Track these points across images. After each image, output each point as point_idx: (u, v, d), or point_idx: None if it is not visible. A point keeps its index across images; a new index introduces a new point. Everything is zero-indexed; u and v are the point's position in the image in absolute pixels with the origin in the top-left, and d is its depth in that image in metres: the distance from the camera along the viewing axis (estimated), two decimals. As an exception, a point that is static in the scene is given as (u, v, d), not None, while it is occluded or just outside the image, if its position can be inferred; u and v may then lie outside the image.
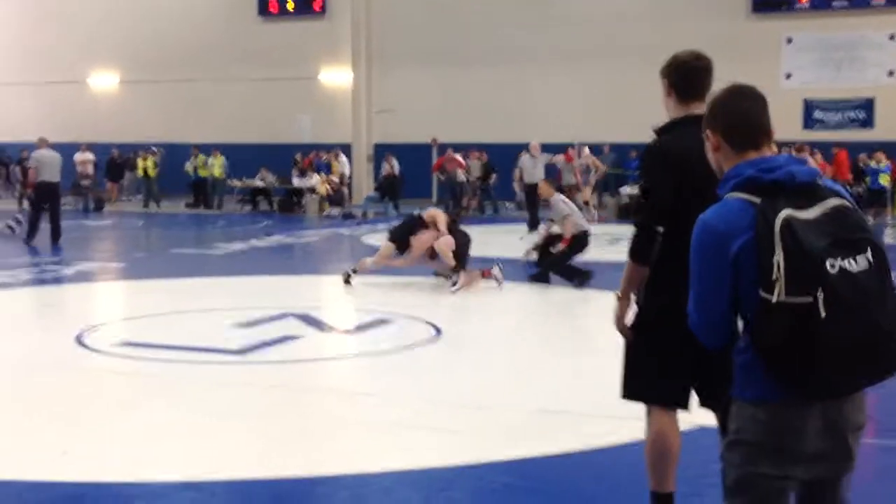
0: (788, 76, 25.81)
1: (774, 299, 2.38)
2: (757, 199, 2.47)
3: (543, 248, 11.67)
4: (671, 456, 3.67)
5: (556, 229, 11.63)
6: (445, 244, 10.96)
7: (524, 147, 20.51)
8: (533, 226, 18.08)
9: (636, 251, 3.61)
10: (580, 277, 11.09)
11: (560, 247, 11.35)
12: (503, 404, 5.89)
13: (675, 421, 3.68)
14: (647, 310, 3.63)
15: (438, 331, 8.30)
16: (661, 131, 3.70)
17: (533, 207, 18.54)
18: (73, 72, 32.25)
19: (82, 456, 4.85)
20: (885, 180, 22.55)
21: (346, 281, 11.04)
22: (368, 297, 10.65)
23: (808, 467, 2.53)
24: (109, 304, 10.91)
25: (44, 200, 16.15)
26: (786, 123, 25.16)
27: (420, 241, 11.09)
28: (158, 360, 7.10)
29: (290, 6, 30.08)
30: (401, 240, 11.22)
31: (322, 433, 5.37)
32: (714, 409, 3.79)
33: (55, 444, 5.02)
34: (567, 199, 11.85)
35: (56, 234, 16.08)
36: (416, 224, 11.29)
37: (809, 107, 25.73)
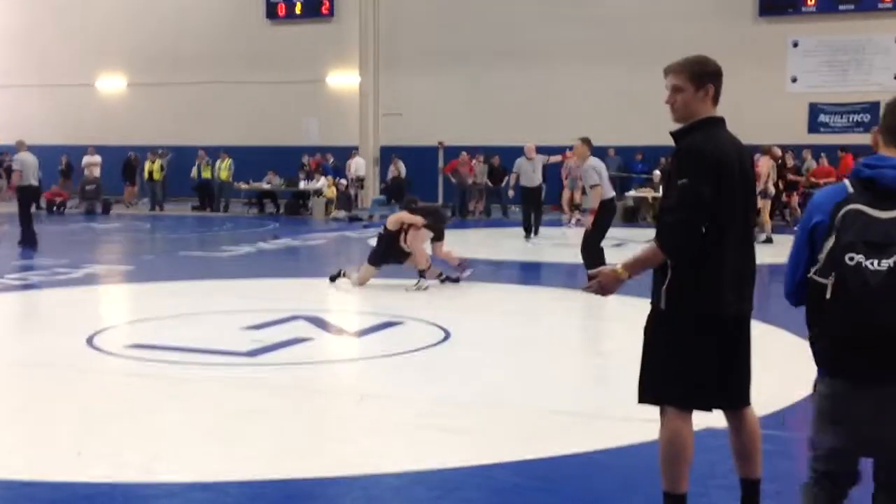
0: (794, 80, 25.82)
1: (810, 273, 2.79)
2: (851, 189, 2.78)
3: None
4: (686, 457, 3.70)
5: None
6: (420, 249, 11.16)
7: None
8: (535, 230, 17.87)
9: (677, 246, 3.57)
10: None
11: (588, 220, 11.07)
12: (514, 405, 5.93)
13: (690, 422, 3.72)
14: (679, 315, 3.63)
15: (447, 333, 8.34)
16: (685, 132, 3.72)
17: (538, 212, 18.34)
18: (80, 74, 32.36)
19: (97, 456, 4.89)
20: (890, 183, 22.48)
21: (333, 279, 11.15)
22: (376, 300, 10.71)
23: (863, 445, 2.74)
24: (119, 307, 10.97)
25: (30, 203, 16.19)
26: (791, 127, 25.19)
27: (416, 246, 11.20)
28: (169, 362, 7.15)
29: (297, 9, 30.16)
30: (383, 262, 11.31)
31: (334, 434, 5.41)
32: (726, 409, 3.85)
33: (70, 445, 5.07)
34: (599, 166, 11.43)
35: (33, 236, 15.97)
36: (392, 238, 11.29)
37: (815, 110, 25.73)
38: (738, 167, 3.66)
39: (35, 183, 16.38)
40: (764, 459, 4.86)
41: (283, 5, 30.26)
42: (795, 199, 22.24)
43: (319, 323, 8.84)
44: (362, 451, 5.02)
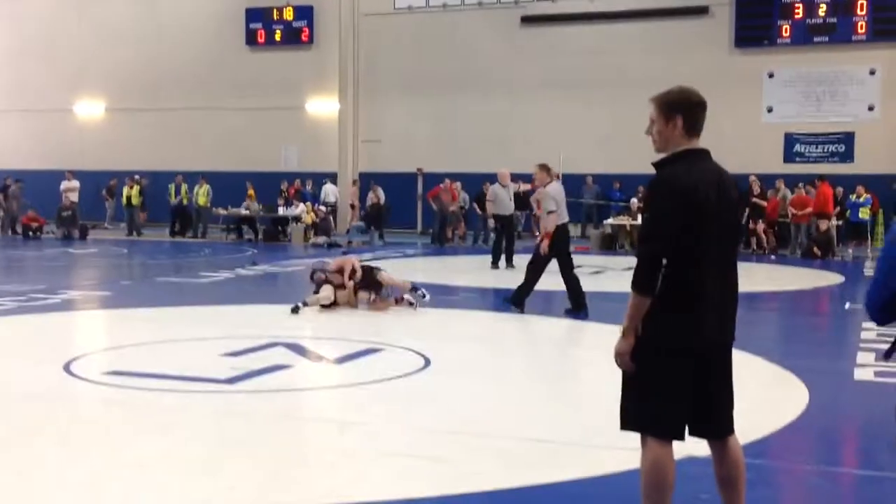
0: (770, 110, 26.16)
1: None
2: None
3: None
4: (667, 485, 3.71)
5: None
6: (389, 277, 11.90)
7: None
8: (509, 260, 17.50)
9: (642, 282, 3.61)
10: (522, 304, 11.35)
11: (544, 245, 11.24)
12: (497, 433, 5.93)
13: (671, 450, 3.73)
14: (656, 344, 3.64)
15: (427, 360, 8.34)
16: (665, 163, 3.75)
17: (511, 240, 17.74)
18: (59, 99, 32.30)
19: (78, 485, 4.85)
20: (865, 214, 22.80)
21: (295, 311, 11.14)
22: (356, 327, 10.69)
23: None
24: (97, 333, 10.90)
25: None
26: (766, 156, 25.51)
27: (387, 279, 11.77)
28: (148, 389, 7.10)
29: (277, 36, 30.30)
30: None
31: (317, 463, 5.39)
32: (710, 439, 3.87)
33: (50, 474, 5.02)
34: (557, 193, 11.55)
35: None
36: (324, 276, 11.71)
37: (790, 140, 26.06)
38: (716, 199, 3.66)
39: None
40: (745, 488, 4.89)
41: (264, 32, 30.39)
42: (761, 226, 22.45)
43: (299, 350, 8.81)
44: (344, 481, 5.00)
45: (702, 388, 3.72)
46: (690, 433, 3.82)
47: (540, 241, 11.50)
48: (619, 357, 3.72)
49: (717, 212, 3.65)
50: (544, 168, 11.91)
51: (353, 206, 27.29)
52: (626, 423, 3.78)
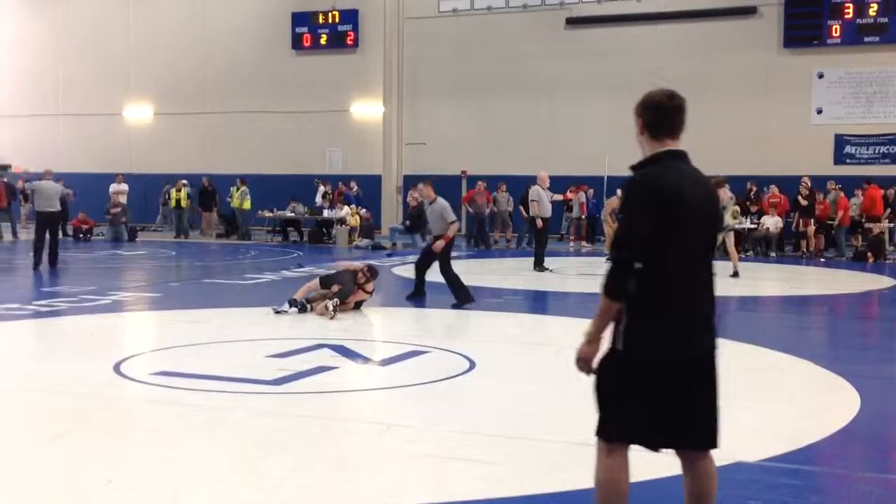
0: (819, 111, 25.78)
1: None
2: None
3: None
4: (620, 497, 3.60)
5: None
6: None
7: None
8: (542, 262, 17.38)
9: (611, 287, 3.49)
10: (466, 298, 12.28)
11: (439, 244, 12.32)
12: (541, 436, 5.90)
13: (626, 461, 3.61)
14: (629, 351, 3.52)
15: (472, 362, 8.34)
16: (640, 166, 3.64)
17: (543, 244, 17.63)
18: (108, 104, 32.85)
19: (126, 485, 4.91)
20: (917, 215, 22.41)
21: (277, 311, 11.26)
22: (400, 330, 10.73)
23: None
24: (145, 334, 11.04)
25: (41, 228, 17.10)
26: (816, 158, 25.13)
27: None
28: (195, 389, 7.17)
29: (323, 40, 30.50)
30: (328, 287, 11.55)
31: (361, 465, 5.41)
32: (689, 448, 3.71)
33: (99, 474, 5.09)
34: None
35: (53, 258, 17.05)
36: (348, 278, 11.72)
37: (840, 142, 25.66)
38: (693, 201, 3.52)
39: (49, 209, 17.15)
40: (794, 495, 4.82)
41: (309, 36, 30.61)
42: (812, 228, 22.14)
43: (345, 352, 8.85)
44: (388, 483, 5.01)
45: (682, 398, 3.56)
46: (670, 446, 3.67)
47: (436, 242, 12.56)
48: (582, 362, 3.62)
49: (692, 215, 3.51)
50: (430, 185, 13.10)
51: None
52: (604, 430, 3.66)
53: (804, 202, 22.10)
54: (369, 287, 11.78)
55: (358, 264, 12.18)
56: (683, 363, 3.55)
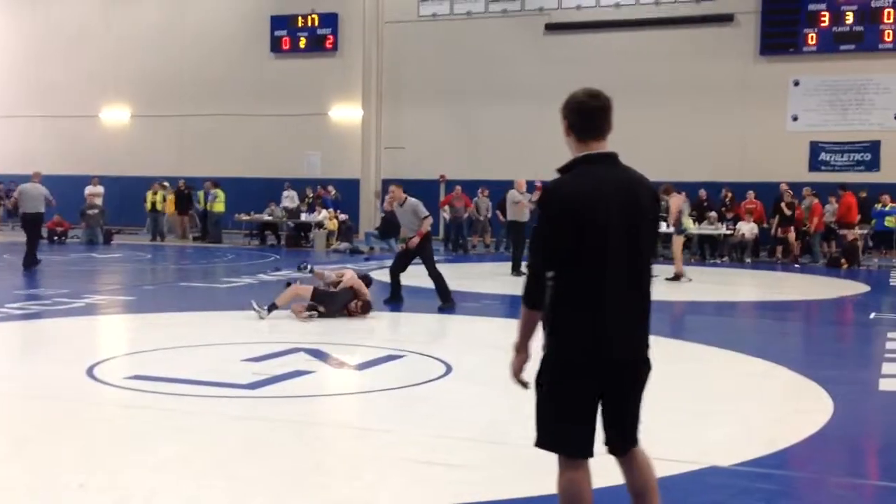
0: (795, 118, 25.99)
1: None
2: None
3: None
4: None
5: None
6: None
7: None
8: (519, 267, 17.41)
9: (526, 296, 3.50)
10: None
11: (414, 241, 12.54)
12: (517, 440, 5.88)
13: (587, 470, 3.57)
14: (557, 361, 3.50)
15: (448, 367, 8.33)
16: (561, 171, 3.58)
17: (519, 247, 17.69)
18: (85, 106, 32.61)
19: (99, 489, 4.87)
20: (890, 222, 22.63)
21: (260, 310, 11.22)
22: (378, 334, 10.71)
23: None
24: (119, 337, 10.95)
25: (26, 229, 17.69)
26: (792, 165, 25.33)
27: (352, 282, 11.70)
28: (169, 393, 7.13)
29: (302, 43, 30.44)
30: (321, 302, 11.48)
31: (337, 469, 5.38)
32: (618, 454, 3.69)
33: (71, 477, 5.05)
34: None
35: (29, 258, 17.29)
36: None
37: (815, 149, 25.87)
38: (608, 206, 3.43)
39: (32, 211, 17.59)
40: (767, 499, 4.85)
41: (288, 39, 30.54)
42: (792, 234, 22.31)
43: (320, 356, 8.83)
44: (363, 487, 4.99)
45: (611, 405, 3.55)
46: (605, 445, 3.65)
47: (410, 239, 12.76)
48: (513, 375, 3.61)
49: (607, 219, 3.42)
50: (399, 187, 13.36)
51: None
52: (539, 441, 3.62)
53: (787, 211, 22.21)
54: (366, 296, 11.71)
55: (360, 285, 11.69)
56: (610, 368, 3.49)
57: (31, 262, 17.23)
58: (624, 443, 3.65)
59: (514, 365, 3.61)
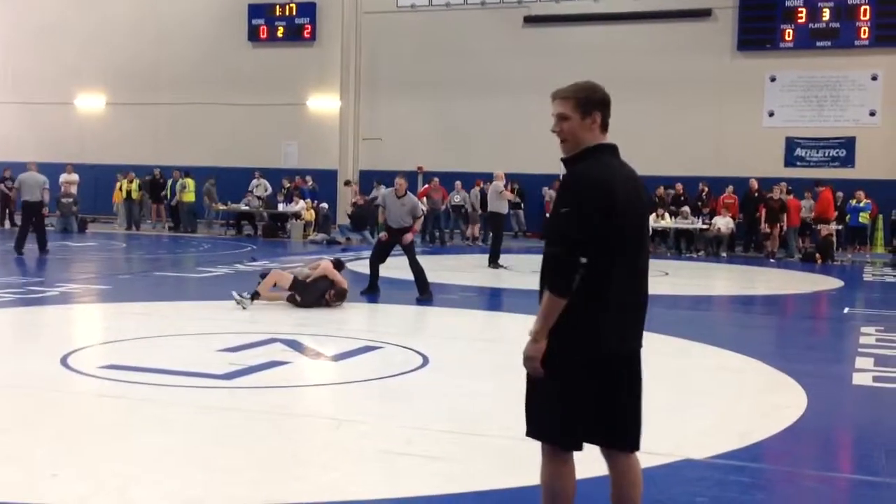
0: (771, 114, 26.16)
1: None
2: None
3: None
4: (567, 498, 3.58)
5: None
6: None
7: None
8: (497, 258, 17.63)
9: (558, 283, 3.39)
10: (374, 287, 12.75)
11: (410, 236, 12.75)
12: (494, 432, 5.90)
13: (572, 462, 3.58)
14: (562, 351, 3.45)
15: (425, 358, 8.33)
16: (578, 159, 3.56)
17: (498, 239, 18.13)
18: (59, 93, 32.27)
19: (73, 479, 4.83)
20: (864, 218, 22.85)
21: (243, 300, 11.20)
22: (355, 325, 10.69)
23: None
24: (94, 327, 10.87)
25: (27, 217, 18.19)
26: (767, 160, 25.49)
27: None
28: (145, 383, 7.08)
29: (280, 32, 30.28)
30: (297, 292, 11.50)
31: (313, 460, 5.37)
32: (614, 450, 3.67)
33: (45, 467, 5.00)
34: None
35: (41, 244, 18.08)
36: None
37: (791, 144, 26.05)
38: (629, 196, 3.49)
39: (31, 199, 18.10)
40: (741, 491, 4.89)
41: (266, 28, 30.37)
42: (778, 229, 22.43)
43: (297, 346, 8.80)
44: (340, 478, 4.98)
45: (610, 398, 3.54)
46: (597, 443, 3.63)
47: (404, 235, 12.77)
48: (529, 362, 3.51)
49: (630, 211, 3.48)
50: (404, 179, 13.45)
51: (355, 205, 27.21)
52: (530, 430, 3.61)
53: (774, 204, 22.30)
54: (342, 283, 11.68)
55: (334, 273, 11.70)
56: (618, 360, 3.53)
57: (42, 250, 17.98)
58: (627, 440, 3.63)
59: (532, 352, 3.48)
